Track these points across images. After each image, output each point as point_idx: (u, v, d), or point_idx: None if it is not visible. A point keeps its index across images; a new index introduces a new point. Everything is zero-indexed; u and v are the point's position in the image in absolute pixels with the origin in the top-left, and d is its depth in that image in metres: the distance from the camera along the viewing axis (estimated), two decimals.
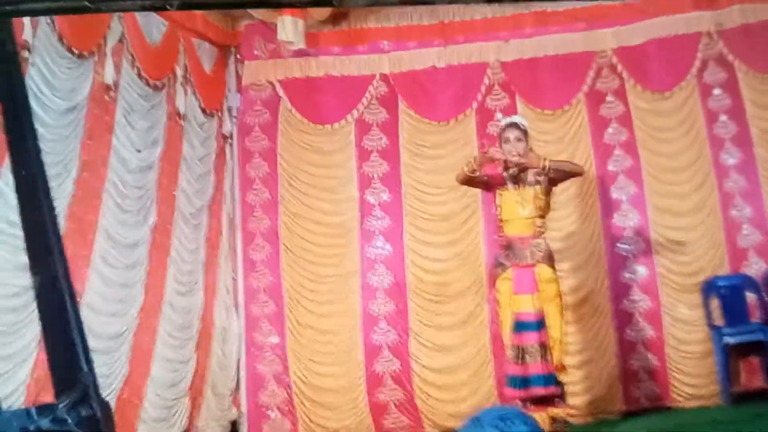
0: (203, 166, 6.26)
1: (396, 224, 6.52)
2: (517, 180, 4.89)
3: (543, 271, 4.82)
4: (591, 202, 6.26)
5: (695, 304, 6.11)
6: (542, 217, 4.89)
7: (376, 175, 6.59)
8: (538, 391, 4.73)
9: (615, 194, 6.35)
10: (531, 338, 4.75)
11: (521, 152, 4.83)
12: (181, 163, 5.89)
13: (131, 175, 5.24)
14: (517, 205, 4.83)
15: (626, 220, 6.32)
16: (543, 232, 4.91)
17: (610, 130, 6.41)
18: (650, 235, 6.25)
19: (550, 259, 4.90)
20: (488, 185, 5.12)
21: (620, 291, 6.23)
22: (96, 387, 1.51)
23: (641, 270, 6.26)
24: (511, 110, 6.43)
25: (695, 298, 6.11)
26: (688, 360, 6.07)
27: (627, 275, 6.25)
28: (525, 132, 4.91)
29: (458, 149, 6.49)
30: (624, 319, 6.20)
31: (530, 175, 4.86)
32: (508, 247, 4.88)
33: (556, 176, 4.95)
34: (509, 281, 4.86)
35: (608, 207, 6.34)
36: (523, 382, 4.76)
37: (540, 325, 4.77)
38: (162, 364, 5.48)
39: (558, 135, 6.39)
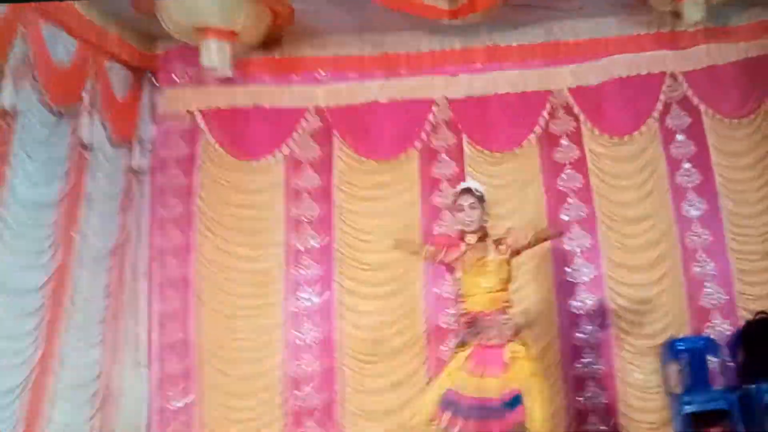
0: (109, 205, 6.21)
1: (326, 273, 6.55)
2: (477, 249, 4.92)
3: (514, 349, 4.81)
4: (541, 254, 6.25)
5: (652, 368, 6.22)
6: (506, 289, 4.91)
7: (305, 218, 6.63)
8: None
9: (568, 246, 6.49)
10: (493, 427, 4.62)
11: (475, 220, 4.89)
12: (83, 201, 5.85)
13: (27, 212, 5.22)
14: (478, 278, 4.88)
15: (579, 275, 6.46)
16: (510, 306, 4.91)
17: (563, 176, 6.61)
18: (605, 292, 6.40)
19: (519, 335, 4.90)
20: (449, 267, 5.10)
21: (571, 353, 6.32)
22: None
23: (594, 331, 6.40)
24: (457, 151, 6.63)
25: (653, 361, 6.23)
26: (644, 430, 6.18)
27: (579, 336, 6.39)
28: (481, 198, 4.96)
29: (399, 192, 6.61)
30: (574, 383, 6.28)
31: (491, 244, 4.92)
32: (472, 324, 4.88)
33: (530, 246, 5.00)
34: (464, 355, 4.83)
35: (560, 260, 6.45)
36: None
37: (505, 407, 4.65)
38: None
39: (507, 180, 6.54)
